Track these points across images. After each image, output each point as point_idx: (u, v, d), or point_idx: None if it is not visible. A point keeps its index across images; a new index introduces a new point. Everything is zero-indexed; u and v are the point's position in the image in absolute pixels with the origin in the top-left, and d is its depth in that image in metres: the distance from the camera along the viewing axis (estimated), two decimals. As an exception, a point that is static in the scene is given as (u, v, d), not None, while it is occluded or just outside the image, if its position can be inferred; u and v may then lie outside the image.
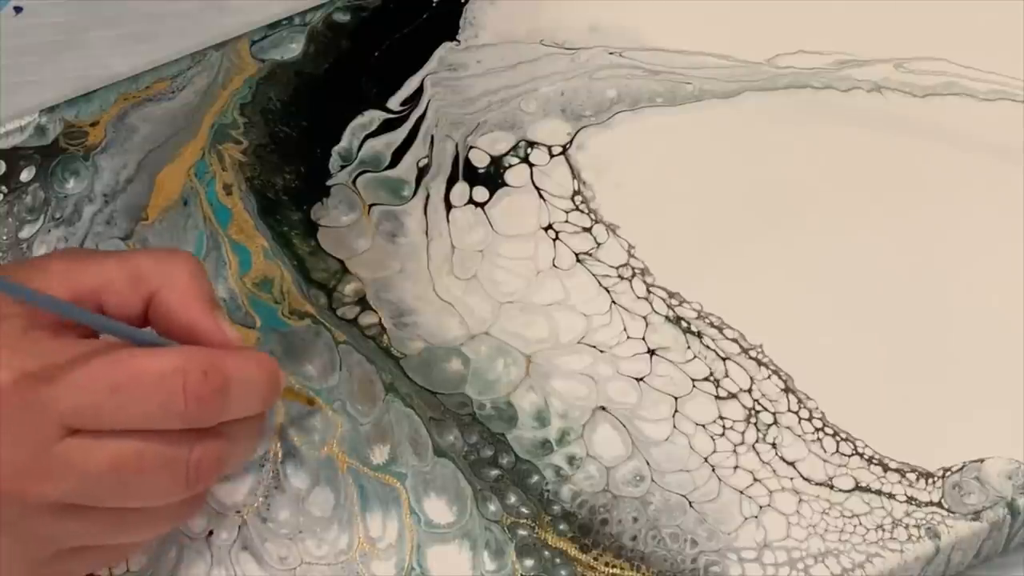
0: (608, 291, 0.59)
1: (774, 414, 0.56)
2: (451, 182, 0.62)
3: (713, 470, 0.55)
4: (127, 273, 0.48)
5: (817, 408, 0.56)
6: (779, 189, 0.61)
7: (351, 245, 0.61)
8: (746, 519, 0.53)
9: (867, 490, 0.54)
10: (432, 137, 0.64)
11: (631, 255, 0.60)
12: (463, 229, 0.61)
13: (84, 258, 0.49)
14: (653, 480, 0.55)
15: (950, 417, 0.55)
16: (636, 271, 0.60)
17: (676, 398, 0.56)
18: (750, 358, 0.57)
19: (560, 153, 0.63)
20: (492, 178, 0.62)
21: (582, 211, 0.61)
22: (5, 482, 0.44)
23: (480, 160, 0.63)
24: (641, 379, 0.57)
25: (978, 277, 0.58)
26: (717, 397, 0.56)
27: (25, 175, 0.64)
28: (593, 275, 0.60)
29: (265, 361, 0.49)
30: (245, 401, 0.48)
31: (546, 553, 0.53)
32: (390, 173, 0.63)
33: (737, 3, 0.66)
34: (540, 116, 0.64)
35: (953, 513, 0.53)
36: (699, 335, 0.58)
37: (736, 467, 0.55)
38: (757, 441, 0.55)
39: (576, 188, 0.62)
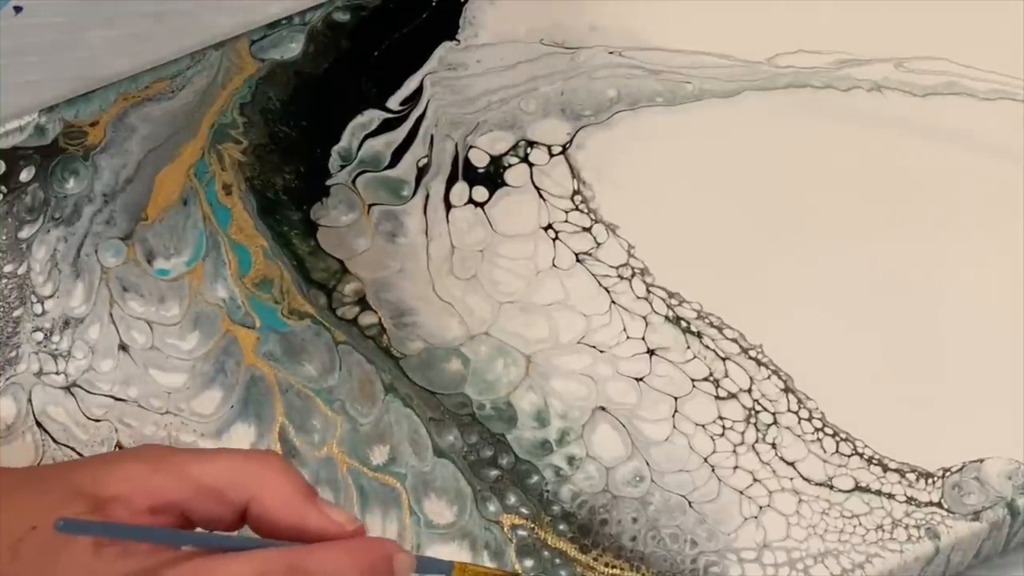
0: (608, 291, 0.59)
1: (774, 414, 0.56)
2: (451, 182, 0.62)
3: (713, 470, 0.55)
4: (218, 481, 0.45)
5: (817, 408, 0.56)
6: (779, 189, 0.61)
7: (351, 245, 0.61)
8: (746, 519, 0.53)
9: (867, 490, 0.54)
10: (432, 137, 0.64)
11: (631, 255, 0.60)
12: (463, 229, 0.61)
13: (165, 466, 0.45)
14: (653, 480, 0.55)
15: (950, 417, 0.55)
16: (636, 271, 0.59)
17: (676, 398, 0.56)
18: (750, 358, 0.57)
19: (560, 153, 0.63)
20: (492, 178, 0.62)
21: (582, 211, 0.61)
22: None
23: (480, 160, 0.63)
24: (641, 379, 0.57)
25: (978, 277, 0.58)
26: (717, 397, 0.56)
27: (25, 175, 0.64)
28: (593, 275, 0.60)
29: (366, 549, 0.45)
30: None
31: (546, 553, 0.53)
32: (390, 173, 0.63)
33: (737, 3, 0.66)
34: (540, 116, 0.64)
35: (953, 513, 0.53)
36: (699, 335, 0.58)
37: (736, 467, 0.55)
38: (757, 441, 0.55)
39: (576, 188, 0.62)
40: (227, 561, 0.42)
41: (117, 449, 0.57)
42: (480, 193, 0.62)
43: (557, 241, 0.61)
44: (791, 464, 0.55)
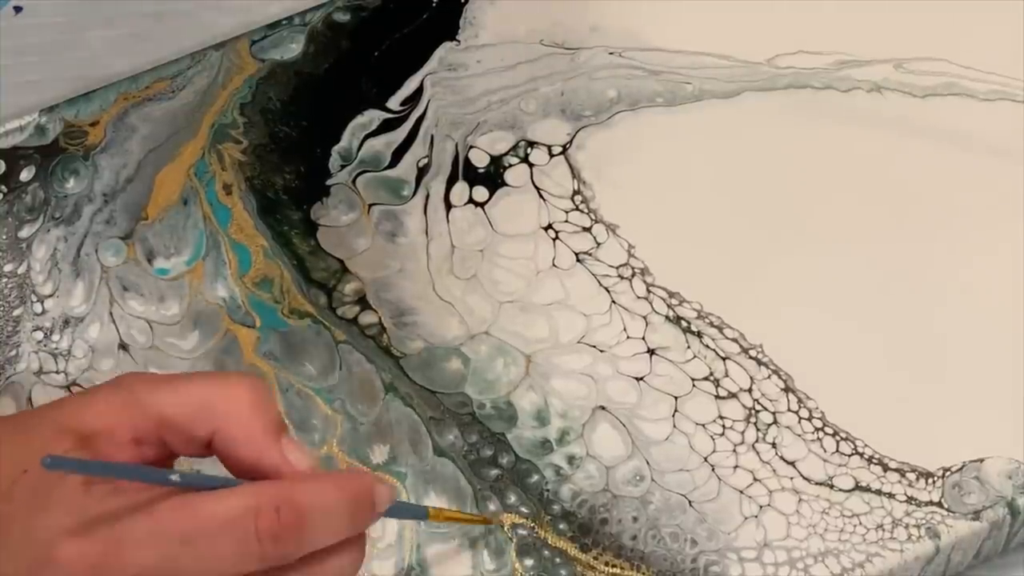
0: (608, 291, 0.59)
1: (774, 414, 0.56)
2: (451, 182, 0.62)
3: (713, 470, 0.55)
4: (183, 415, 0.45)
5: (817, 408, 0.56)
6: (779, 189, 0.61)
7: (351, 245, 0.61)
8: (746, 519, 0.53)
9: (867, 490, 0.54)
10: (432, 137, 0.64)
11: (631, 255, 0.60)
12: (463, 229, 0.61)
13: (141, 394, 0.45)
14: (653, 480, 0.55)
15: (950, 417, 0.55)
16: (636, 271, 0.60)
17: (676, 398, 0.56)
18: (750, 358, 0.57)
19: (560, 153, 0.63)
20: (492, 178, 0.62)
21: (582, 211, 0.61)
22: None
23: (480, 160, 0.63)
24: (641, 379, 0.57)
25: (978, 277, 0.58)
26: (717, 397, 0.56)
27: (25, 175, 0.64)
28: (593, 275, 0.60)
29: (348, 482, 0.45)
30: (328, 529, 0.44)
31: (546, 552, 0.53)
32: (390, 173, 0.63)
33: (737, 3, 0.66)
34: (540, 116, 0.64)
35: (953, 513, 0.53)
36: (699, 335, 0.58)
37: (736, 467, 0.55)
38: (757, 441, 0.55)
39: (576, 188, 0.62)
40: (217, 497, 0.43)
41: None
42: (480, 193, 0.62)
43: (557, 241, 0.61)
44: (791, 463, 0.55)
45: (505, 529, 0.54)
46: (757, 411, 0.56)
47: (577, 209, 0.61)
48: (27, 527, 0.42)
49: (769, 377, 0.56)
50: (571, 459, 0.55)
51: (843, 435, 0.55)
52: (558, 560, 0.53)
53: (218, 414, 0.45)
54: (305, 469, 0.45)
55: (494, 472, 0.55)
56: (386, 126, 0.64)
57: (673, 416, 0.56)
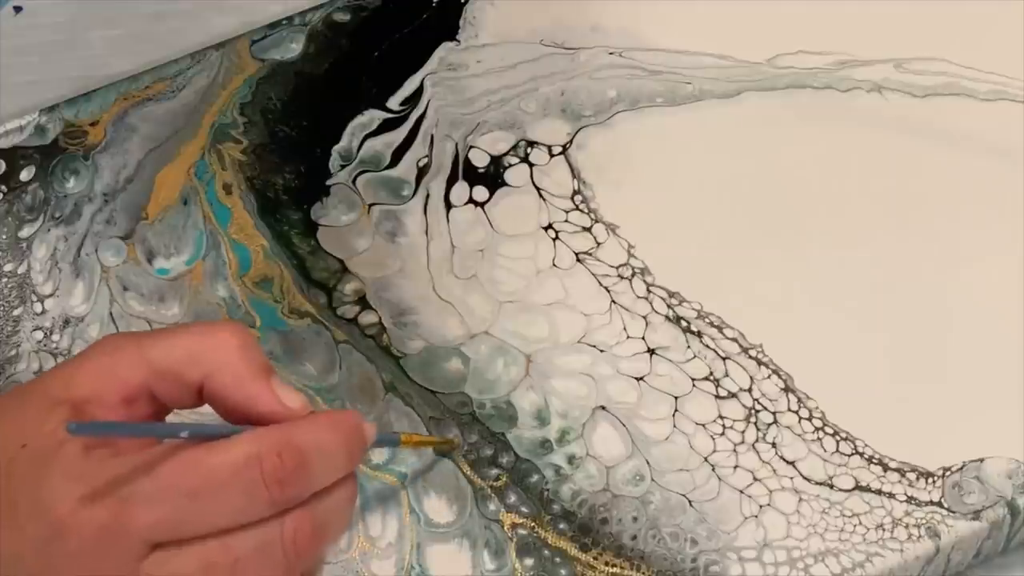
0: (608, 291, 0.59)
1: (774, 413, 0.56)
2: (451, 182, 0.62)
3: (713, 469, 0.55)
4: (172, 364, 0.45)
5: (817, 408, 0.56)
6: (779, 189, 0.61)
7: (351, 245, 0.61)
8: (746, 518, 0.53)
9: (867, 489, 0.54)
10: (432, 137, 0.64)
11: (631, 255, 0.60)
12: (463, 229, 0.61)
13: (128, 350, 0.46)
14: (653, 479, 0.55)
15: (950, 417, 0.55)
16: (636, 271, 0.60)
17: (676, 397, 0.56)
18: (750, 358, 0.57)
19: (560, 153, 0.63)
20: (492, 178, 0.63)
21: (582, 211, 0.61)
22: None
23: (480, 160, 0.63)
24: (641, 379, 0.57)
25: (978, 277, 0.58)
26: (717, 396, 0.56)
27: (25, 174, 0.64)
28: (593, 275, 0.60)
29: (340, 421, 0.46)
30: (328, 468, 0.45)
31: (546, 552, 0.53)
32: (390, 173, 0.63)
33: (737, 3, 0.66)
34: (540, 116, 0.64)
35: (953, 512, 0.53)
36: (699, 335, 0.58)
37: (736, 466, 0.55)
38: (757, 440, 0.55)
39: (576, 188, 0.62)
40: (218, 448, 0.43)
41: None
42: (480, 193, 0.62)
43: (557, 241, 0.61)
44: (791, 463, 0.55)
45: (505, 528, 0.54)
46: (757, 411, 0.56)
47: (577, 209, 0.61)
48: (33, 499, 0.42)
49: (769, 377, 0.56)
50: (571, 459, 0.55)
51: (843, 435, 0.55)
52: (558, 560, 0.53)
53: (207, 360, 0.45)
54: (297, 407, 0.45)
55: (494, 472, 0.55)
56: (386, 126, 0.64)
57: (673, 416, 0.56)
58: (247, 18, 0.68)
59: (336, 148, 0.64)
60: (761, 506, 0.54)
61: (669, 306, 0.58)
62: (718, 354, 0.57)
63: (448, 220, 0.61)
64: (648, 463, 0.55)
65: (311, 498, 0.45)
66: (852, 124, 0.63)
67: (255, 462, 0.43)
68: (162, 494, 0.42)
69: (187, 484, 0.42)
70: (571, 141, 0.63)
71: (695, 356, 0.57)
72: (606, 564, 0.53)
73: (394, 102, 0.65)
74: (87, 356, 0.46)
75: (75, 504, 0.42)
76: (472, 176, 0.63)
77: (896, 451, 0.54)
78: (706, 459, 0.55)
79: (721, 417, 0.56)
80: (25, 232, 0.63)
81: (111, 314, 0.60)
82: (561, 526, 0.54)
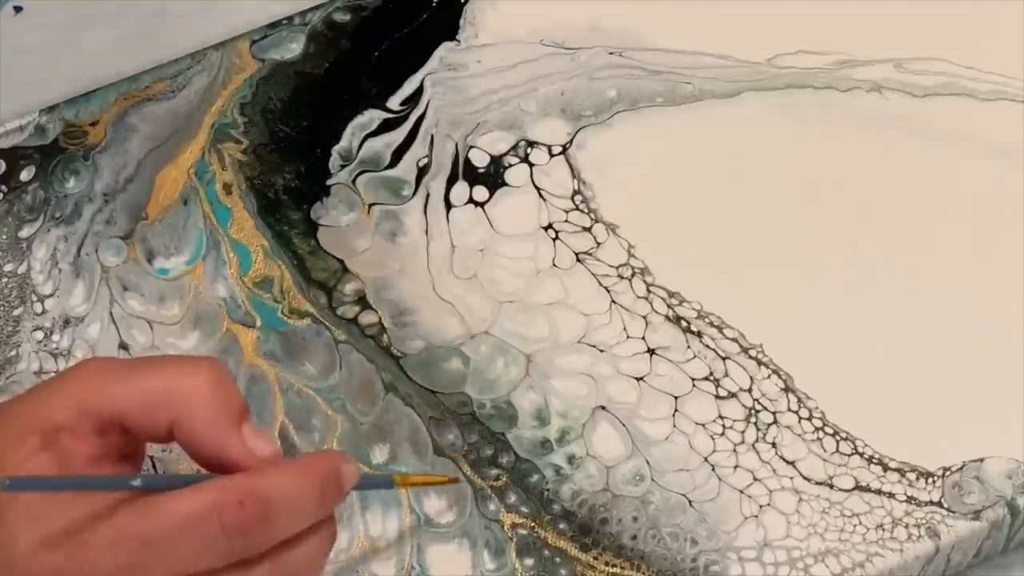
0: (608, 291, 0.59)
1: (774, 413, 0.56)
2: (451, 182, 0.62)
3: (713, 469, 0.55)
4: (142, 403, 0.44)
5: (817, 408, 0.56)
6: (779, 189, 0.61)
7: (351, 244, 0.61)
8: (746, 518, 0.53)
9: (867, 489, 0.54)
10: (432, 137, 0.64)
11: (631, 255, 0.60)
12: (463, 229, 0.61)
13: (100, 385, 0.45)
14: (653, 479, 0.55)
15: (950, 417, 0.55)
16: (636, 271, 0.60)
17: (676, 397, 0.56)
18: (750, 358, 0.57)
19: (560, 153, 0.63)
20: (492, 178, 0.63)
21: (582, 211, 0.61)
22: None
23: (480, 160, 0.63)
24: (641, 378, 0.57)
25: (978, 277, 0.58)
26: (717, 396, 0.56)
27: (25, 174, 0.64)
28: (593, 275, 0.60)
29: (312, 466, 0.45)
30: (296, 516, 0.44)
31: (546, 552, 0.53)
32: (390, 173, 0.63)
33: (737, 3, 0.66)
34: (540, 116, 0.64)
35: (953, 512, 0.53)
36: (699, 334, 0.58)
37: (736, 466, 0.55)
38: (757, 440, 0.55)
39: (576, 188, 0.62)
40: (180, 496, 0.42)
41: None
42: (480, 193, 0.62)
43: (557, 241, 0.61)
44: (791, 463, 0.55)
45: (505, 528, 0.54)
46: (757, 411, 0.56)
47: (577, 209, 0.61)
48: None
49: (769, 377, 0.56)
50: (571, 459, 0.55)
51: (843, 435, 0.55)
52: (558, 560, 0.53)
53: (176, 403, 0.44)
54: (267, 455, 0.45)
55: (494, 472, 0.55)
56: (386, 126, 0.64)
57: (673, 416, 0.56)
58: (247, 18, 0.68)
59: (336, 148, 0.64)
60: (761, 506, 0.54)
61: (669, 306, 0.58)
62: (718, 354, 0.57)
63: (448, 220, 0.61)
64: (648, 463, 0.55)
65: (280, 545, 0.44)
66: (852, 124, 0.63)
67: (215, 511, 0.42)
68: (120, 540, 0.42)
69: (145, 531, 0.42)
70: (571, 141, 0.63)
71: (695, 356, 0.57)
72: (606, 564, 0.53)
73: (394, 102, 0.65)
74: (64, 380, 0.45)
75: (33, 546, 0.41)
76: (472, 176, 0.63)
77: (896, 451, 0.54)
78: (706, 459, 0.55)
79: (721, 417, 0.56)
80: (25, 232, 0.63)
81: (111, 314, 0.60)
82: (561, 526, 0.54)
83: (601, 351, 0.58)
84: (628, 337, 0.58)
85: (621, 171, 0.62)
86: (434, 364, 0.58)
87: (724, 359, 0.57)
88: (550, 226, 0.61)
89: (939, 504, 0.53)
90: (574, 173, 0.62)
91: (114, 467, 0.45)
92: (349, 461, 0.47)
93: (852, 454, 0.54)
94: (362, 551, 0.54)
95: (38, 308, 0.61)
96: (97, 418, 0.44)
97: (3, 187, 0.64)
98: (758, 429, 0.55)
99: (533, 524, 0.54)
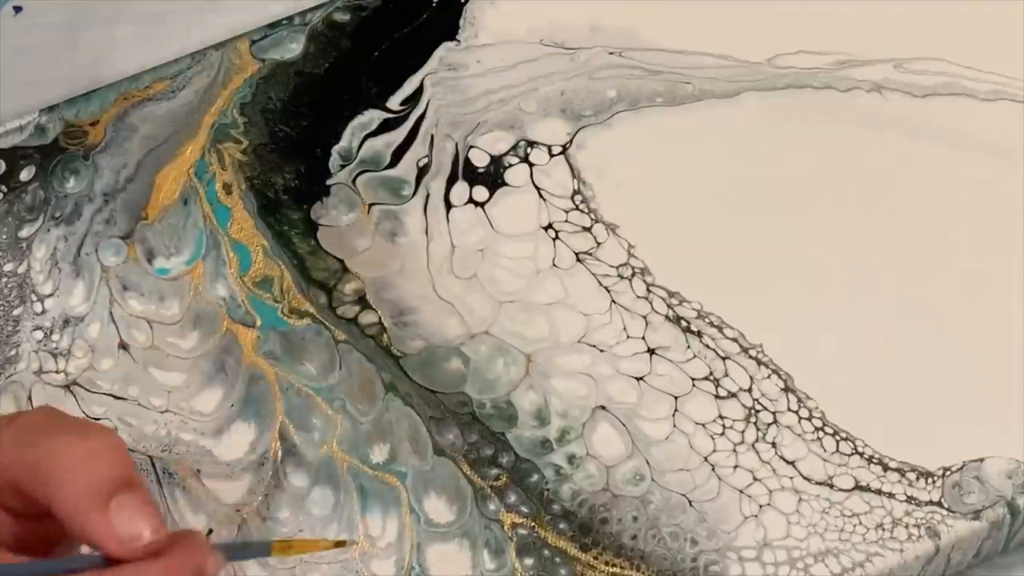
0: (608, 290, 0.59)
1: (774, 413, 0.56)
2: (451, 181, 0.62)
3: (713, 469, 0.55)
4: (23, 476, 0.41)
5: (817, 408, 0.56)
6: (779, 189, 0.61)
7: (351, 244, 0.61)
8: (746, 518, 0.53)
9: (867, 489, 0.54)
10: (432, 137, 0.64)
11: (631, 255, 0.60)
12: (463, 229, 0.61)
13: (2, 447, 0.41)
14: (653, 479, 0.55)
15: (950, 417, 0.55)
16: (636, 270, 0.60)
17: (676, 397, 0.56)
18: (750, 357, 0.57)
19: (560, 153, 0.63)
20: (492, 178, 0.62)
21: (582, 211, 0.61)
22: None
23: (480, 160, 0.63)
24: (641, 378, 0.57)
25: (978, 277, 0.58)
26: (717, 396, 0.56)
27: (25, 174, 0.64)
28: (593, 274, 0.60)
29: (170, 562, 0.40)
30: None
31: (546, 552, 0.53)
32: (390, 173, 0.63)
33: (737, 3, 0.66)
34: (540, 116, 0.64)
35: (953, 512, 0.53)
36: (699, 334, 0.58)
37: (736, 466, 0.55)
38: (757, 440, 0.55)
39: (576, 188, 0.62)
40: None
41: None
42: (480, 193, 0.62)
43: (557, 241, 0.61)
44: (791, 463, 0.55)
45: (505, 528, 0.54)
46: (757, 411, 0.56)
47: (577, 209, 0.61)
48: None
49: (769, 377, 0.56)
50: (571, 459, 0.55)
51: (843, 435, 0.55)
52: (558, 560, 0.53)
53: (49, 479, 0.40)
54: (132, 540, 0.40)
55: (494, 471, 0.55)
56: (386, 126, 0.64)
57: (673, 416, 0.56)
58: (247, 18, 0.68)
59: (336, 148, 0.64)
60: (761, 506, 0.54)
61: (669, 306, 0.58)
62: (718, 354, 0.57)
63: (448, 220, 0.61)
64: (648, 463, 0.55)
65: None
66: (852, 124, 0.63)
67: None
68: None
69: None
70: (571, 141, 0.63)
71: (695, 356, 0.57)
72: (606, 564, 0.53)
73: (394, 102, 0.65)
74: None
75: None
76: (472, 176, 0.63)
77: (896, 451, 0.54)
78: (706, 459, 0.55)
79: (721, 417, 0.56)
80: (25, 232, 0.63)
81: (111, 314, 0.60)
82: (561, 526, 0.54)
83: (601, 351, 0.58)
84: (628, 337, 0.58)
85: (621, 171, 0.62)
86: (434, 364, 0.58)
87: (724, 359, 0.57)
88: (550, 226, 0.61)
89: (939, 504, 0.53)
90: (574, 173, 0.62)
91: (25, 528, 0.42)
92: (214, 553, 0.42)
93: (852, 454, 0.54)
94: (362, 551, 0.54)
95: (38, 308, 0.61)
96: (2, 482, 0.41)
97: (3, 187, 0.64)
98: (758, 429, 0.55)
99: (533, 524, 0.54)
